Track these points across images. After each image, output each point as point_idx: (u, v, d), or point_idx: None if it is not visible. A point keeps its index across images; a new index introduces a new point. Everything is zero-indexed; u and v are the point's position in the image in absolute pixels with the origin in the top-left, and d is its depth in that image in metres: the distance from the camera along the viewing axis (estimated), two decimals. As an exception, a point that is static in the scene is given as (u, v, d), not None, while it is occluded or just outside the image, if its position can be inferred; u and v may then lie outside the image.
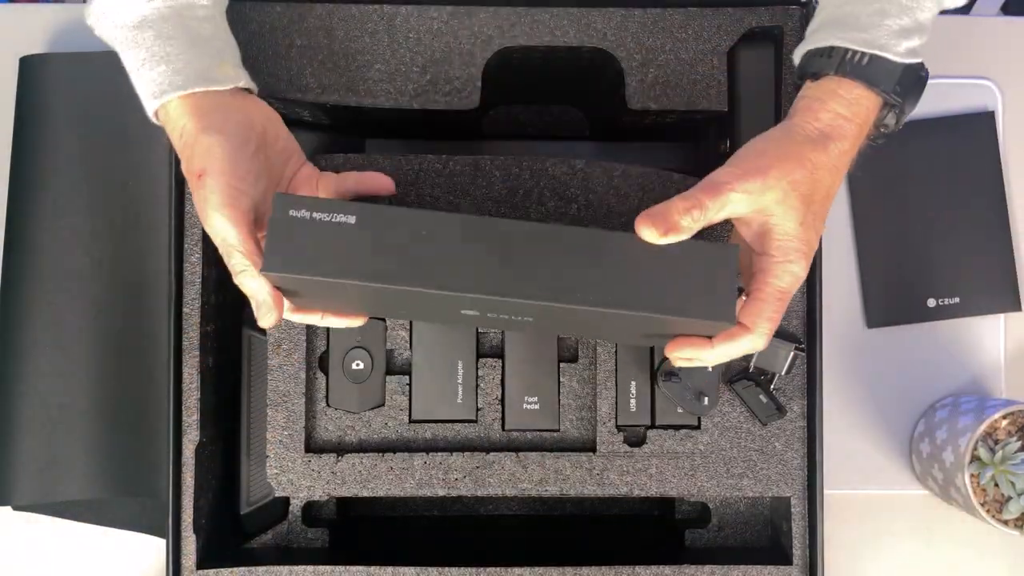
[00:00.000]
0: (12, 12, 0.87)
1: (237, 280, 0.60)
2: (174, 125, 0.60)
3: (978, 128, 0.87)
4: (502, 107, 0.87)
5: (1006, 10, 1.04)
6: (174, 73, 0.60)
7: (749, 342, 0.60)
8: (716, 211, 0.58)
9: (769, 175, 0.58)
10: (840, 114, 0.60)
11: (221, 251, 0.60)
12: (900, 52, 0.60)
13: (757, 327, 0.59)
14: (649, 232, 0.57)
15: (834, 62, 0.61)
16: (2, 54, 0.84)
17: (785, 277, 0.59)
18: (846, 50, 0.60)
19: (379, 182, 0.65)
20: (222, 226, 0.58)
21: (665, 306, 0.57)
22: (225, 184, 0.58)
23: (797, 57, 0.64)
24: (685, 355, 0.62)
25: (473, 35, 0.72)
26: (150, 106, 0.61)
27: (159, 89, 0.60)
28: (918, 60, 0.61)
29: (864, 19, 0.60)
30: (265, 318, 0.61)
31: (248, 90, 0.63)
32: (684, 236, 0.57)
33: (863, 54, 0.60)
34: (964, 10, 1.04)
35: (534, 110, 0.88)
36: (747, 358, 0.73)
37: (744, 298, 0.61)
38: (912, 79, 0.61)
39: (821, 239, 0.71)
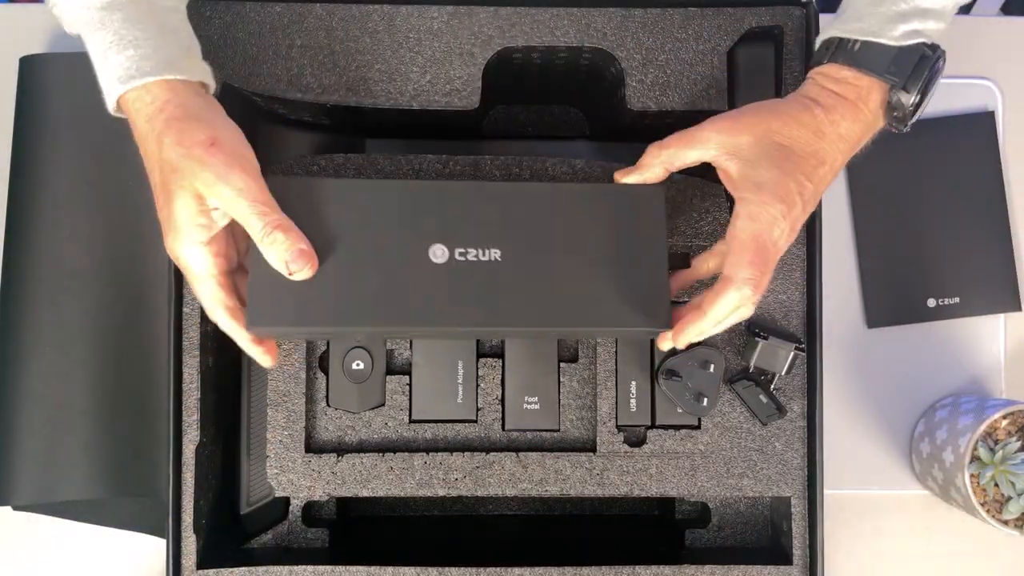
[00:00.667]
0: (12, 12, 0.87)
1: (268, 244, 0.58)
2: (145, 110, 0.58)
3: (978, 128, 0.87)
4: (502, 107, 0.87)
5: (1006, 10, 1.04)
6: (143, 58, 0.58)
7: (735, 295, 0.59)
8: (685, 149, 0.62)
9: (742, 119, 0.62)
10: (826, 88, 0.63)
11: (244, 216, 0.58)
12: (895, 36, 0.62)
13: (737, 276, 0.59)
14: (620, 172, 0.64)
15: (829, 52, 0.63)
16: (2, 54, 0.84)
17: (762, 218, 0.59)
18: (840, 39, 0.63)
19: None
20: (245, 184, 0.57)
21: (597, 320, 0.63)
22: (243, 146, 0.59)
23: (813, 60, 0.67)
24: (688, 338, 0.63)
25: (473, 35, 0.72)
26: (114, 91, 0.58)
27: (126, 74, 0.58)
28: (918, 41, 0.62)
29: (861, 8, 0.63)
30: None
31: (207, 88, 0.62)
32: (650, 173, 0.64)
33: (854, 41, 0.62)
34: (964, 10, 1.04)
35: (534, 110, 0.88)
36: (747, 358, 0.73)
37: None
38: (912, 59, 0.62)
39: (821, 218, 0.73)
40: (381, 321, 0.62)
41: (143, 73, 0.58)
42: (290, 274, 0.59)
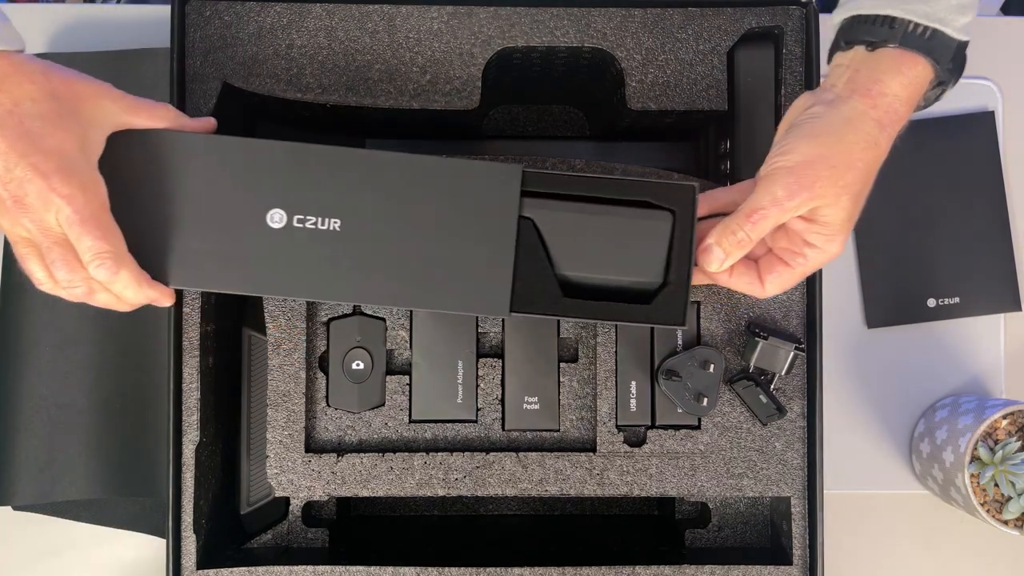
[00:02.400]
0: (12, 12, 0.87)
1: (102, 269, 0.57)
2: None
3: (978, 128, 0.87)
4: (502, 107, 0.87)
5: (1006, 10, 1.04)
6: None
7: (759, 294, 0.65)
8: (762, 234, 0.61)
9: (816, 189, 0.59)
10: (898, 97, 0.60)
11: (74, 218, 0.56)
12: (957, 27, 0.59)
13: (773, 289, 0.64)
14: (711, 267, 0.63)
15: (897, 33, 0.59)
16: (2, 54, 0.83)
17: (823, 259, 0.63)
18: (908, 22, 0.59)
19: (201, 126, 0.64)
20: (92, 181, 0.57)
21: (432, 300, 0.63)
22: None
23: (839, 18, 0.63)
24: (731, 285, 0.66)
25: (473, 35, 0.72)
26: None
27: None
28: (968, 38, 0.60)
29: None
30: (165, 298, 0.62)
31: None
32: (731, 262, 0.63)
33: (925, 27, 0.59)
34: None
35: (534, 110, 0.88)
36: (747, 358, 0.73)
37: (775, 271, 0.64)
38: (962, 58, 0.61)
39: None
40: (213, 283, 0.62)
41: None
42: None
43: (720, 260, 0.62)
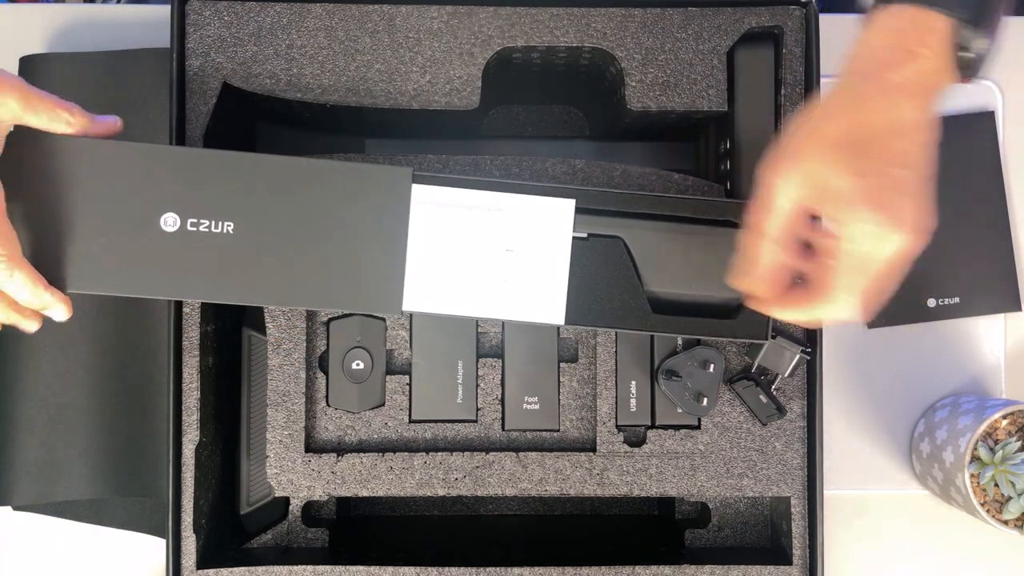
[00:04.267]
0: (12, 12, 0.87)
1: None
2: None
3: (978, 128, 0.87)
4: (502, 107, 0.87)
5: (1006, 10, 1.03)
6: None
7: (829, 311, 0.56)
8: (773, 223, 0.56)
9: (800, 154, 0.55)
10: (878, 45, 0.54)
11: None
12: None
13: (833, 296, 0.55)
14: (745, 288, 0.59)
15: None
16: (2, 54, 0.83)
17: (857, 238, 0.53)
18: None
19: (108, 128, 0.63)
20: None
21: (325, 301, 0.65)
22: None
23: None
24: (790, 316, 0.60)
25: (473, 35, 0.72)
26: None
27: None
28: None
29: None
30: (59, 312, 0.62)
31: None
32: (764, 266, 0.58)
33: None
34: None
35: (534, 110, 0.88)
36: (752, 355, 0.73)
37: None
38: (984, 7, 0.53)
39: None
40: (108, 287, 0.63)
41: None
42: None
43: (744, 275, 0.59)
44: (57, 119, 0.60)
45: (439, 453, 0.73)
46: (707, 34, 0.73)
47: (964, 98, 0.87)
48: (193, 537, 0.71)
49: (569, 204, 0.65)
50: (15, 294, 0.59)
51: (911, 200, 0.53)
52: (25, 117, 0.59)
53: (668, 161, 0.84)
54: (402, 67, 0.72)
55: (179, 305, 0.71)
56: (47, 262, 0.62)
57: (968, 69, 0.55)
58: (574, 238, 0.67)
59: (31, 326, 0.63)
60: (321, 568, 0.72)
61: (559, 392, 0.75)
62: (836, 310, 0.56)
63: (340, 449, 0.74)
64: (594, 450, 0.73)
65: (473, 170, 0.73)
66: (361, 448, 0.74)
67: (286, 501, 0.77)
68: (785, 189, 0.56)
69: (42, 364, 0.80)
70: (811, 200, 0.55)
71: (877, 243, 0.53)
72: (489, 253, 0.65)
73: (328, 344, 0.74)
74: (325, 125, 0.80)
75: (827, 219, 0.56)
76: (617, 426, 0.74)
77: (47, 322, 0.81)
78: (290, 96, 0.72)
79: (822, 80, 0.72)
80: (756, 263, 0.59)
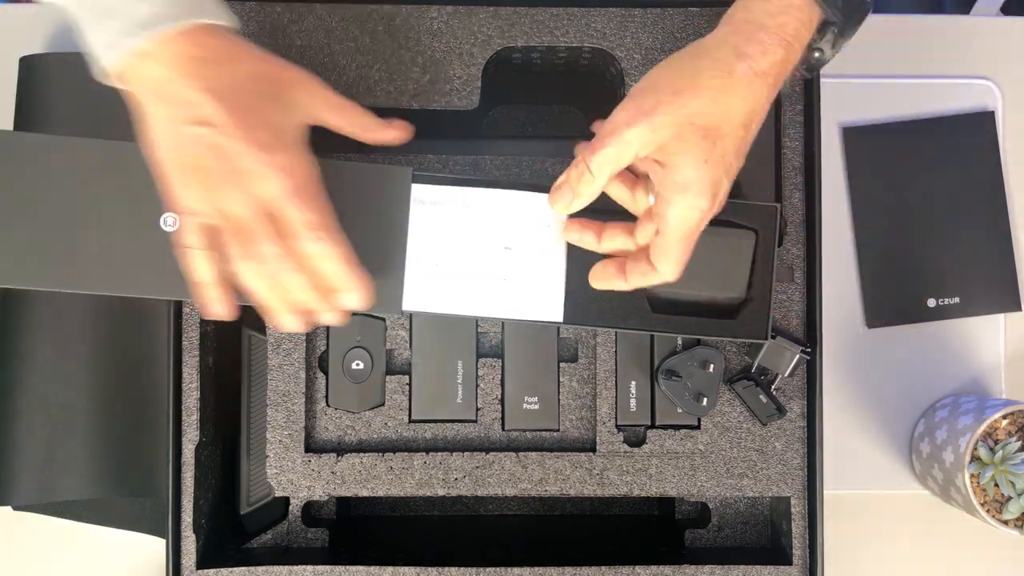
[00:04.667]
0: (12, 12, 0.87)
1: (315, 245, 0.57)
2: (174, 58, 0.55)
3: (978, 128, 0.87)
4: (502, 107, 0.87)
5: (1006, 10, 1.04)
6: (172, 4, 0.54)
7: (658, 278, 0.62)
8: (605, 169, 0.59)
9: (655, 115, 0.56)
10: (762, 24, 0.56)
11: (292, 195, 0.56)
12: None
13: (661, 266, 0.61)
14: (557, 207, 0.61)
15: None
16: (2, 54, 0.84)
17: (690, 219, 0.58)
18: None
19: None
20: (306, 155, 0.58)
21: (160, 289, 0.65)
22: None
23: None
24: (606, 285, 0.64)
25: (473, 35, 0.72)
26: (127, 44, 0.54)
27: (152, 20, 0.53)
28: None
29: None
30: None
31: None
32: (583, 201, 0.61)
33: None
34: (964, 10, 1.04)
35: (534, 110, 0.88)
36: (752, 354, 0.73)
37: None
38: (856, 4, 0.58)
39: (821, 218, 0.72)
40: (108, 287, 0.63)
41: (172, 17, 0.54)
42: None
43: (567, 200, 0.60)
44: (357, 123, 0.62)
45: (439, 453, 0.73)
46: (707, 34, 0.73)
47: (964, 98, 0.87)
48: (193, 537, 0.71)
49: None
50: (329, 266, 0.58)
51: (730, 182, 0.59)
52: (324, 116, 0.61)
53: (668, 161, 0.84)
54: (402, 67, 0.72)
55: (179, 305, 0.71)
56: (48, 261, 0.62)
57: (813, 71, 0.59)
58: None
59: (294, 324, 0.61)
60: (321, 568, 0.72)
61: (559, 392, 0.75)
62: (666, 275, 0.61)
63: (340, 449, 0.74)
64: (594, 450, 0.73)
65: (473, 170, 0.73)
66: (361, 448, 0.74)
67: (286, 501, 0.77)
68: (630, 144, 0.57)
69: (42, 364, 0.80)
70: (645, 164, 0.60)
71: (697, 215, 0.58)
72: (488, 251, 0.65)
73: (328, 344, 0.74)
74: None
75: (656, 185, 0.59)
76: (617, 426, 0.74)
77: (47, 322, 0.81)
78: (290, 96, 0.72)
79: (821, 79, 0.72)
80: (578, 193, 0.61)
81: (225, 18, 0.58)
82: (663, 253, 0.60)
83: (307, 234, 0.57)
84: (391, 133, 0.63)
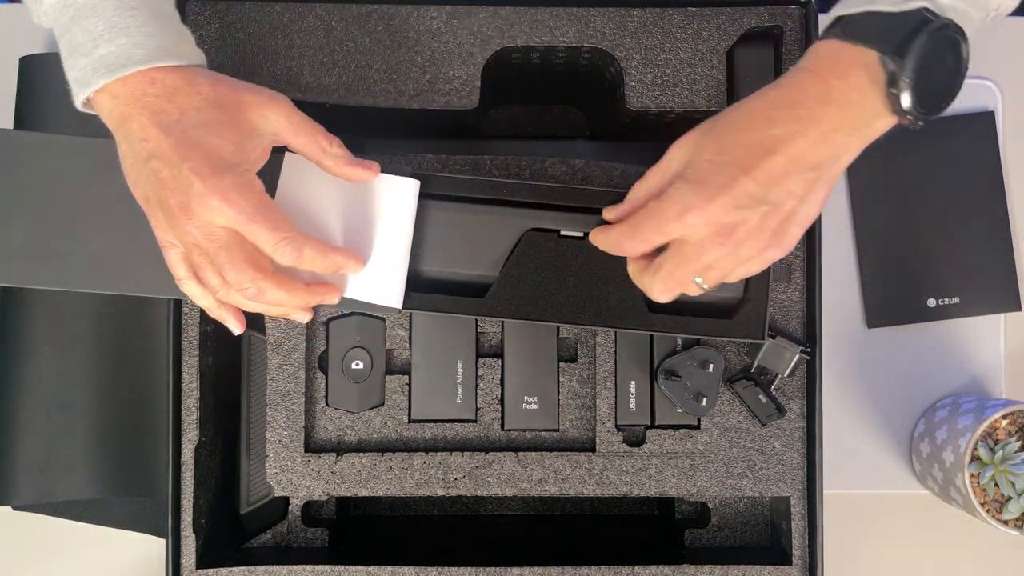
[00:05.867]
0: (12, 12, 0.87)
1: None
2: (131, 96, 0.56)
3: (978, 128, 0.87)
4: (502, 107, 0.87)
5: (1006, 10, 1.03)
6: (133, 46, 0.56)
7: (648, 285, 0.62)
8: (653, 179, 0.60)
9: (706, 147, 0.57)
10: (787, 71, 0.57)
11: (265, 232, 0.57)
12: (895, 1, 0.54)
13: (653, 277, 0.60)
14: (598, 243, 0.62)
15: (832, 30, 0.57)
16: (2, 54, 0.84)
17: (676, 201, 0.57)
18: (840, 17, 0.56)
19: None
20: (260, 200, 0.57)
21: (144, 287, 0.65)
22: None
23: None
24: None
25: (472, 35, 0.72)
26: (94, 83, 0.56)
27: (116, 62, 0.56)
28: (918, 6, 0.54)
29: None
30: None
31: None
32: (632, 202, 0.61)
33: (852, 14, 0.55)
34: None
35: (534, 110, 0.88)
36: (752, 354, 0.73)
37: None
38: (907, 24, 0.53)
39: (820, 218, 0.70)
40: (109, 286, 0.63)
41: (134, 61, 0.56)
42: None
43: (608, 246, 0.62)
44: (315, 144, 0.62)
45: (439, 453, 0.73)
46: (706, 34, 0.73)
47: (964, 98, 0.87)
48: (193, 537, 0.71)
49: (412, 184, 0.65)
50: (311, 265, 0.60)
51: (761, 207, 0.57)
52: (284, 136, 0.61)
53: (668, 161, 0.84)
54: (402, 67, 0.72)
55: (179, 305, 0.71)
56: (48, 261, 0.62)
57: (905, 116, 0.55)
58: (572, 237, 0.67)
59: (303, 318, 0.64)
60: (321, 568, 0.72)
61: (559, 392, 0.75)
62: (653, 289, 0.61)
63: (340, 449, 0.74)
64: (594, 450, 0.73)
65: (473, 170, 0.73)
66: (361, 448, 0.74)
67: (286, 501, 0.77)
68: (674, 162, 0.58)
69: (42, 364, 0.81)
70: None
71: (681, 210, 0.57)
72: (343, 226, 0.65)
73: (328, 344, 0.74)
74: (325, 125, 0.80)
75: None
76: (617, 426, 0.74)
77: (47, 322, 0.81)
78: (290, 96, 0.71)
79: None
80: (621, 250, 0.61)
81: (188, 58, 0.59)
82: (636, 223, 0.60)
83: (276, 251, 0.58)
84: (358, 172, 0.63)
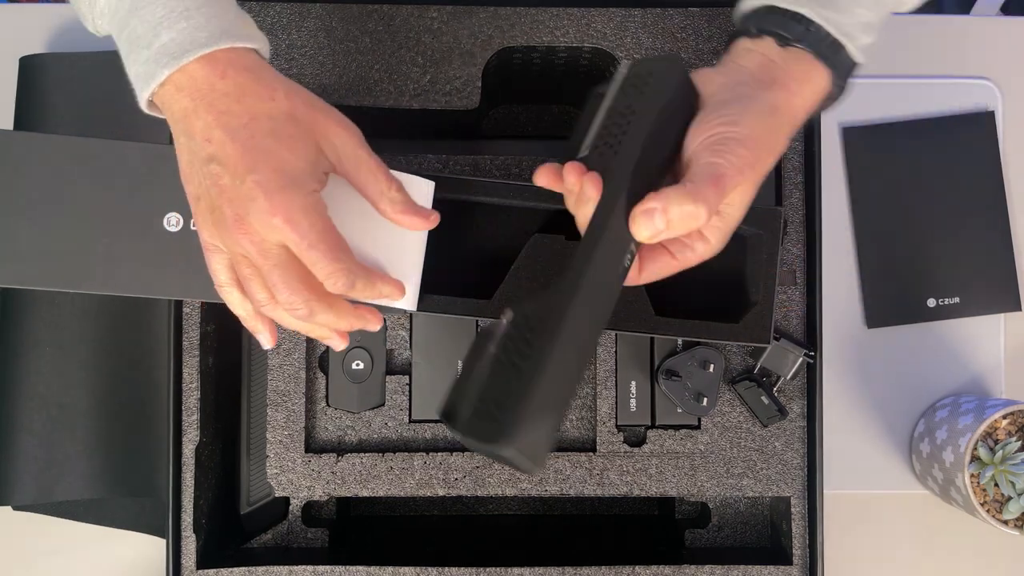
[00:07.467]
0: (12, 12, 0.87)
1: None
2: (197, 89, 0.52)
3: (978, 128, 0.87)
4: (502, 107, 0.87)
5: (1006, 10, 1.04)
6: (196, 29, 0.52)
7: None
8: (717, 204, 0.55)
9: (757, 168, 0.55)
10: (804, 104, 0.58)
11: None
12: (860, 46, 0.58)
13: (645, 278, 0.59)
14: (640, 232, 0.53)
15: (811, 36, 0.57)
16: (2, 54, 0.84)
17: (703, 252, 0.57)
18: (820, 29, 0.57)
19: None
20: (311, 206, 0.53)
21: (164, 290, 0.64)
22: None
23: (752, 4, 0.59)
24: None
25: (473, 35, 0.72)
26: (158, 75, 0.52)
27: (179, 49, 0.52)
28: (863, 61, 0.59)
29: (841, 0, 0.57)
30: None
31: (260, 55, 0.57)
32: (672, 234, 0.54)
33: (835, 40, 0.57)
34: (964, 10, 1.04)
35: (534, 110, 0.88)
36: (756, 356, 0.73)
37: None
38: (849, 80, 0.59)
39: (821, 218, 0.73)
40: (111, 287, 0.63)
41: (199, 44, 0.52)
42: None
43: (657, 230, 0.52)
44: (375, 183, 0.57)
45: (439, 453, 0.73)
46: (707, 34, 0.73)
47: (964, 98, 0.87)
48: (193, 537, 0.71)
49: (428, 184, 0.63)
50: (359, 295, 0.56)
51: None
52: (346, 165, 0.56)
53: (668, 161, 0.84)
54: (402, 67, 0.72)
55: (179, 305, 0.71)
56: (48, 261, 0.62)
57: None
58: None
59: (339, 344, 0.60)
60: (321, 568, 0.72)
61: (559, 392, 0.75)
62: (638, 280, 0.59)
63: (340, 449, 0.74)
64: (594, 450, 0.73)
65: (473, 170, 0.73)
66: (361, 448, 0.74)
67: (286, 501, 0.77)
68: (739, 184, 0.55)
69: (42, 364, 0.81)
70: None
71: (705, 258, 0.58)
72: (362, 224, 0.62)
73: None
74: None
75: (705, 227, 0.56)
76: (617, 426, 0.74)
77: (47, 322, 0.81)
78: (290, 96, 0.72)
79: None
80: (675, 227, 0.57)
81: (254, 41, 0.55)
82: (661, 273, 0.59)
83: (330, 279, 0.54)
84: (413, 221, 0.58)
